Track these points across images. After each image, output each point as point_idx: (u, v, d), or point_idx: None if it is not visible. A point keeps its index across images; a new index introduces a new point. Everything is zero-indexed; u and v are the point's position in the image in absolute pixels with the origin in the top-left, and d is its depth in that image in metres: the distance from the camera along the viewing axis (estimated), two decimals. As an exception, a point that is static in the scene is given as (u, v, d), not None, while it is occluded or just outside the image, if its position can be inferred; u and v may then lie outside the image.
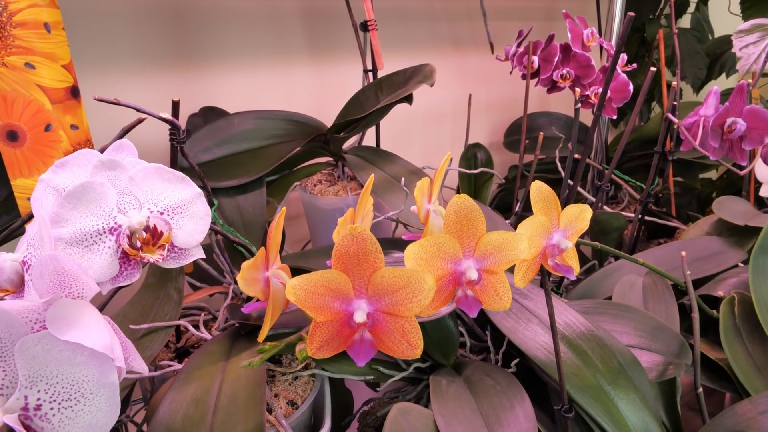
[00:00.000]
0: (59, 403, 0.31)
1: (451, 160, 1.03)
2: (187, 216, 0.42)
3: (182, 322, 0.61)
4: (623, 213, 0.96)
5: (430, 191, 0.43)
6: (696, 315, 0.58)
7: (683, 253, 0.60)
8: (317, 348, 0.34)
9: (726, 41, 1.31)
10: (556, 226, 0.39)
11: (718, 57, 1.31)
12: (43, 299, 0.32)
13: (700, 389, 0.58)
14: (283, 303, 0.39)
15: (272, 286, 0.37)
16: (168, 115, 0.53)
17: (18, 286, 0.38)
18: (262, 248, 0.37)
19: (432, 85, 0.74)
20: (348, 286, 0.33)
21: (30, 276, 0.37)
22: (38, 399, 0.30)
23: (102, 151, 0.49)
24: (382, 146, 0.92)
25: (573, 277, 0.39)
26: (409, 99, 0.74)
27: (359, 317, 0.33)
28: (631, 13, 0.58)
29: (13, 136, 0.57)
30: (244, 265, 0.36)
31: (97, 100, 0.49)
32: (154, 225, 0.39)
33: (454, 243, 0.35)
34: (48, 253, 0.33)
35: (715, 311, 0.66)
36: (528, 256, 0.37)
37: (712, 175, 1.40)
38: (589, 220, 0.39)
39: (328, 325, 0.34)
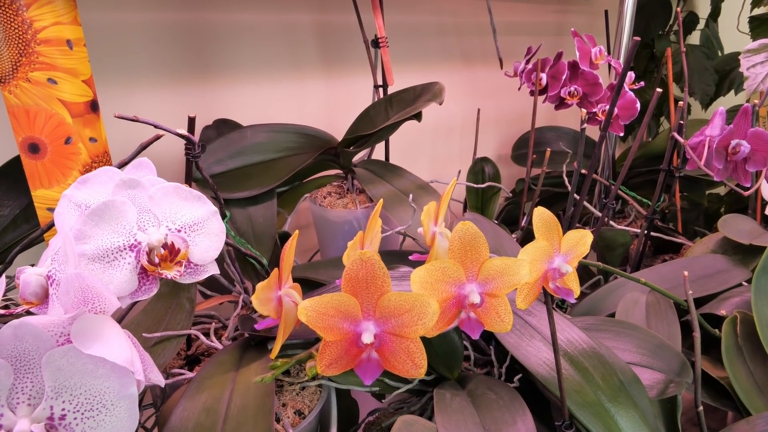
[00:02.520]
0: (82, 413, 0.33)
1: (459, 172, 1.05)
2: (203, 233, 0.44)
3: (193, 331, 0.62)
4: (629, 228, 0.97)
5: (436, 214, 0.44)
6: (697, 334, 0.59)
7: (686, 273, 0.61)
8: (326, 366, 0.36)
9: (735, 58, 1.31)
10: (558, 250, 0.40)
11: (727, 74, 1.31)
12: (68, 314, 0.34)
13: (701, 408, 0.59)
14: (294, 321, 0.41)
15: (284, 305, 0.39)
16: (184, 131, 0.54)
17: (42, 299, 0.40)
18: (276, 269, 0.39)
19: (441, 104, 0.75)
20: (357, 308, 0.35)
21: (54, 290, 0.39)
22: (63, 409, 0.32)
23: (120, 166, 0.51)
24: (391, 159, 0.94)
25: (573, 300, 0.40)
26: (418, 117, 0.76)
27: (367, 338, 0.34)
28: (636, 38, 0.59)
29: (34, 148, 0.59)
30: (259, 286, 0.38)
31: (117, 117, 0.51)
32: (172, 242, 0.41)
33: (458, 268, 0.36)
34: (74, 271, 0.34)
35: (717, 330, 0.66)
36: (529, 280, 0.38)
37: (721, 190, 1.40)
38: (589, 245, 0.41)
39: (337, 345, 0.36)
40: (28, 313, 0.40)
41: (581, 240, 0.41)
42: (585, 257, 0.43)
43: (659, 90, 0.72)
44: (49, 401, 0.32)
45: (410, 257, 0.48)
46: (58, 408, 0.32)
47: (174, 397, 0.56)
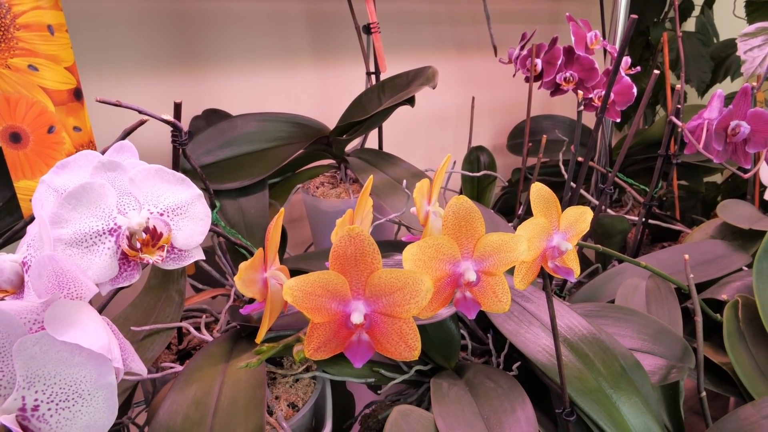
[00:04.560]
0: (57, 404, 0.31)
1: (454, 163, 1.03)
2: (186, 217, 0.42)
3: (184, 324, 0.61)
4: (627, 216, 0.96)
5: (429, 192, 0.43)
6: (699, 318, 0.58)
7: (686, 256, 0.60)
8: (314, 349, 0.34)
9: (731, 45, 1.30)
10: (557, 227, 0.39)
11: (722, 60, 1.30)
12: (41, 300, 0.32)
13: (704, 393, 0.58)
14: (281, 304, 0.39)
15: (270, 288, 0.37)
16: (170, 117, 0.53)
17: (18, 287, 0.38)
18: (260, 249, 0.37)
19: (434, 88, 0.74)
20: (345, 287, 0.33)
21: (29, 276, 0.37)
22: (36, 399, 0.30)
23: (103, 152, 0.49)
24: (385, 149, 0.92)
25: (573, 280, 0.39)
26: (411, 101, 0.74)
27: (356, 318, 0.33)
28: (634, 16, 0.58)
29: (16, 137, 0.57)
30: (242, 265, 0.36)
31: (99, 101, 0.50)
32: (154, 226, 0.39)
33: (452, 244, 0.35)
34: (47, 253, 0.33)
35: (718, 315, 0.65)
36: (528, 258, 0.37)
37: (717, 178, 1.39)
38: (589, 222, 0.39)
39: (325, 327, 0.34)
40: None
41: (581, 217, 0.39)
42: (583, 241, 0.42)
43: (657, 72, 0.70)
44: (20, 391, 0.30)
45: (404, 238, 0.46)
46: (31, 399, 0.30)
47: (163, 390, 0.55)
